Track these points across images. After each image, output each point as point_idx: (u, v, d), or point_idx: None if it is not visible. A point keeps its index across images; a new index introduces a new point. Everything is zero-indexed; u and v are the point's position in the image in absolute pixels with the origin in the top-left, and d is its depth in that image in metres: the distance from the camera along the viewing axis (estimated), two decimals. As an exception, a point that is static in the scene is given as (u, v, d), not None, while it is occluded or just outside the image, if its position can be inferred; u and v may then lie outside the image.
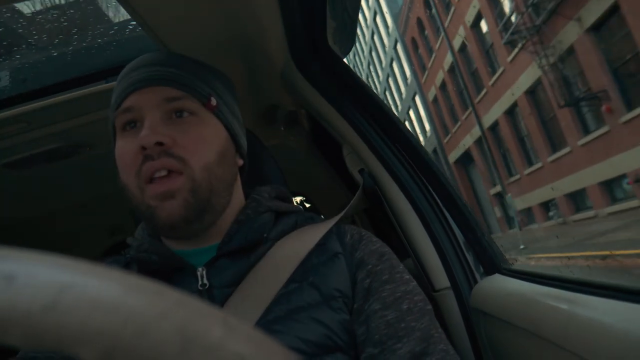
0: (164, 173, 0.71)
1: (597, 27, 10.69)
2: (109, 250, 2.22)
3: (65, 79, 1.29)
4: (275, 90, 1.31)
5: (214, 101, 0.77)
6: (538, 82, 13.30)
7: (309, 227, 0.83)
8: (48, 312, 0.17)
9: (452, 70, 19.78)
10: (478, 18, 16.27)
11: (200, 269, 0.75)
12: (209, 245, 0.78)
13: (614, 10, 9.85)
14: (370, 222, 1.78)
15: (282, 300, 0.72)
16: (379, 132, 1.13)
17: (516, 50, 13.71)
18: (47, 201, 1.76)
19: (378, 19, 30.41)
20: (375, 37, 32.66)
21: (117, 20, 1.32)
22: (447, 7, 18.20)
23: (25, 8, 1.27)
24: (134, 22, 1.18)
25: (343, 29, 1.23)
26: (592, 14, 10.54)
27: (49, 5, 1.28)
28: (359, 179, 1.16)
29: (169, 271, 0.76)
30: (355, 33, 1.30)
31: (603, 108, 11.02)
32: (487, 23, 15.73)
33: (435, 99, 24.04)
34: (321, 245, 0.79)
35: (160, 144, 0.70)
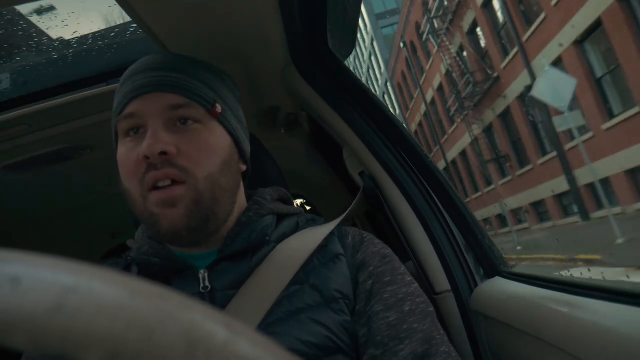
0: (167, 183, 0.70)
1: (502, 116, 17.71)
2: (109, 252, 2.22)
3: (66, 81, 1.29)
4: (276, 92, 1.31)
5: (219, 108, 0.76)
6: (476, 139, 20.94)
7: (311, 229, 0.83)
8: (53, 316, 0.17)
9: (426, 115, 27.73)
10: (441, 86, 23.51)
11: (202, 271, 0.74)
12: (211, 248, 0.78)
13: (508, 109, 16.85)
14: (371, 225, 1.78)
15: (283, 302, 0.72)
16: (380, 135, 1.13)
17: (459, 120, 21.85)
18: (48, 203, 1.76)
19: (373, 59, 37.56)
20: (371, 72, 39.99)
21: (118, 23, 1.32)
22: (422, 70, 26.64)
23: (25, 10, 1.27)
24: (135, 25, 1.18)
25: (343, 32, 1.23)
26: (499, 108, 17.59)
27: (49, 7, 1.28)
28: (360, 182, 1.16)
29: (170, 273, 0.76)
30: (355, 36, 1.31)
31: (508, 165, 18.28)
32: (445, 91, 23.00)
33: (415, 132, 32.13)
34: (322, 247, 0.79)
35: (164, 153, 0.69)
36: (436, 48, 21.10)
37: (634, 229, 9.01)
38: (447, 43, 20.03)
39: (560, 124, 10.40)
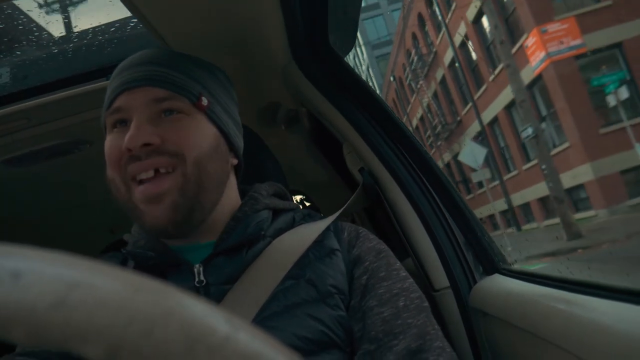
0: (150, 174, 0.71)
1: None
2: (108, 247, 2.22)
3: (66, 75, 1.28)
4: (276, 88, 1.31)
5: (204, 100, 0.76)
6: (448, 164, 26.15)
7: (307, 224, 0.83)
8: (54, 310, 0.18)
9: (413, 138, 34.48)
10: (422, 117, 29.17)
11: (197, 265, 0.74)
12: (206, 242, 0.78)
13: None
14: (370, 222, 1.78)
15: (278, 297, 0.72)
16: (380, 131, 1.13)
17: (435, 148, 27.54)
18: (47, 198, 1.76)
19: (369, 83, 42.02)
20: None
21: (118, 17, 1.32)
22: (408, 101, 32.67)
23: (26, 4, 1.27)
24: (135, 19, 1.17)
25: (344, 29, 1.23)
26: (460, 145, 19.53)
27: (49, 2, 1.28)
28: (359, 178, 1.16)
29: (165, 267, 0.76)
30: (356, 33, 1.30)
31: (470, 185, 21.83)
32: (425, 122, 28.48)
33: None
34: (318, 242, 0.79)
35: (147, 144, 0.70)
36: (416, 93, 28.42)
37: (517, 241, 14.16)
38: (425, 88, 26.53)
39: (475, 177, 15.90)
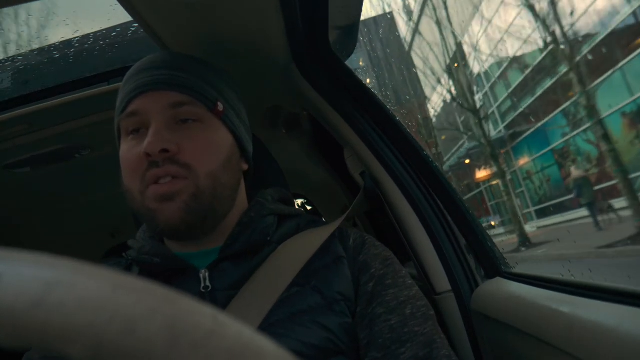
0: (167, 180, 0.70)
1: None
2: (109, 252, 2.22)
3: (67, 80, 1.29)
4: (277, 92, 1.31)
5: (220, 106, 0.76)
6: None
7: (312, 230, 0.83)
8: (34, 310, 0.17)
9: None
10: None
11: (203, 271, 0.74)
12: (212, 247, 0.77)
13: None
14: (372, 225, 1.77)
15: (284, 303, 0.71)
16: (381, 135, 1.12)
17: None
18: (48, 203, 1.76)
19: None
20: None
21: (119, 22, 1.32)
22: None
23: (27, 9, 1.27)
24: (137, 24, 1.18)
25: (345, 32, 1.23)
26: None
27: (51, 7, 1.28)
28: (361, 182, 1.16)
29: (171, 273, 0.75)
30: (357, 37, 1.30)
31: None
32: None
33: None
34: (324, 248, 0.79)
35: (165, 150, 0.69)
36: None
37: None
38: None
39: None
